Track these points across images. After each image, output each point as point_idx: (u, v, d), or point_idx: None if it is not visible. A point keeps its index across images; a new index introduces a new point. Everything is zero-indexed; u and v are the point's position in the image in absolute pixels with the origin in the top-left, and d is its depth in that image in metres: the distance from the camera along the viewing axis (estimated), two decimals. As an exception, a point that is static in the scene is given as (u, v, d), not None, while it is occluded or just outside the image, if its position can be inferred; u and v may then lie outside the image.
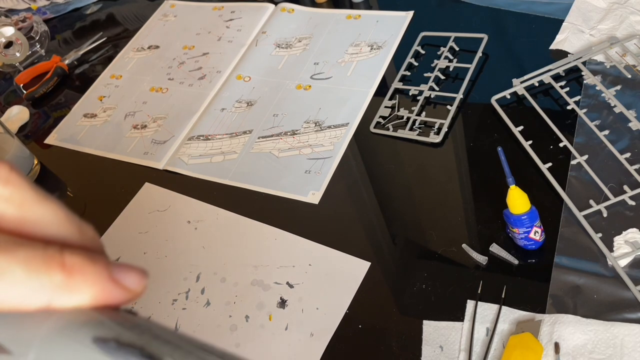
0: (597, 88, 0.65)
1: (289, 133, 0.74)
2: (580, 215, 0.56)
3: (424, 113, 0.71)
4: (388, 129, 0.71)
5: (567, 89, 0.67)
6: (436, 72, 0.74)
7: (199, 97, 0.83)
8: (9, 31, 0.99)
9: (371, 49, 0.81)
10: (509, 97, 0.69)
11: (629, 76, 0.65)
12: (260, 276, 0.61)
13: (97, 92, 0.91)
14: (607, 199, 0.56)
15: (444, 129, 0.68)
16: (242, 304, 0.60)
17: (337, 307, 0.57)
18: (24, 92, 0.94)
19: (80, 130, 0.86)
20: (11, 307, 0.18)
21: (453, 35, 0.77)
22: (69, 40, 1.05)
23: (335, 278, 0.59)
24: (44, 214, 0.20)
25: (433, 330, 0.53)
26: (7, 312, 0.18)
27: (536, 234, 0.54)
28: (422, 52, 0.78)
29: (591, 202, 0.56)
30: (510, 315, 0.52)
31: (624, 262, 0.52)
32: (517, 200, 0.54)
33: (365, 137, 0.71)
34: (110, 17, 1.06)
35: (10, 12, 1.12)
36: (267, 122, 0.77)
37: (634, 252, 0.52)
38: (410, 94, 0.74)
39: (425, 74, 0.75)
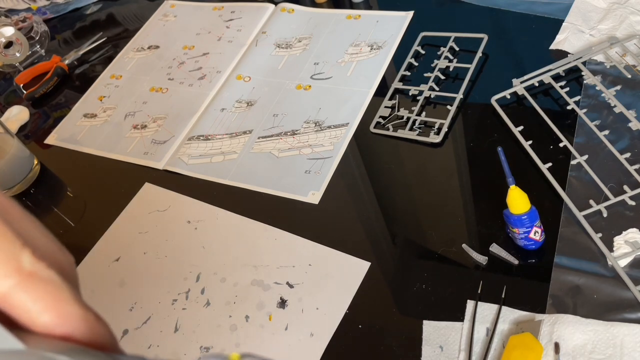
0: (597, 88, 0.65)
1: (289, 133, 0.74)
2: (580, 215, 0.56)
3: (424, 113, 0.71)
4: (388, 129, 0.71)
5: (567, 89, 0.67)
6: (436, 72, 0.74)
7: (199, 97, 0.83)
8: (9, 31, 0.99)
9: (371, 49, 0.81)
10: (509, 97, 0.69)
11: (629, 76, 0.65)
12: (260, 276, 0.61)
13: (97, 92, 0.91)
14: (607, 199, 0.56)
15: (444, 129, 0.68)
16: (242, 304, 0.60)
17: (337, 307, 0.57)
18: (24, 92, 0.94)
19: (80, 130, 0.86)
20: None
21: (453, 35, 0.77)
22: (69, 40, 1.05)
23: (335, 278, 0.59)
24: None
25: (433, 330, 0.53)
26: None
27: (536, 234, 0.54)
28: (422, 52, 0.78)
29: (591, 202, 0.56)
30: (510, 315, 0.52)
31: (624, 262, 0.52)
32: (517, 200, 0.54)
33: (365, 137, 0.71)
34: (110, 17, 1.06)
35: (10, 12, 1.12)
36: (267, 122, 0.77)
37: (634, 252, 0.52)
38: (410, 94, 0.74)
39: (425, 74, 0.75)
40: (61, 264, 0.21)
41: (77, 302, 0.20)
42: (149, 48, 0.96)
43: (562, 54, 0.71)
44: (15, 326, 0.20)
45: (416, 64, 0.77)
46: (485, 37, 0.75)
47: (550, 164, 0.61)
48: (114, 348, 0.22)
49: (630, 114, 0.61)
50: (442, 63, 0.75)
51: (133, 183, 0.76)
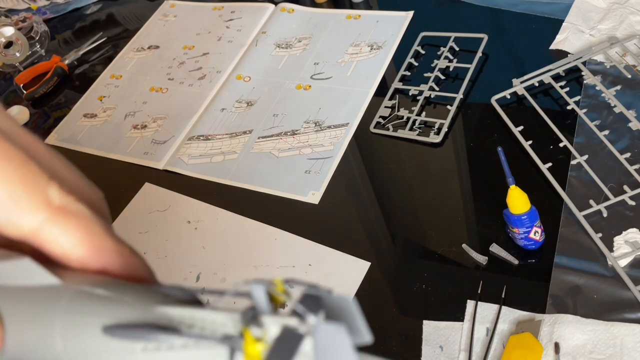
0: (597, 88, 0.65)
1: (289, 133, 0.74)
2: (580, 215, 0.56)
3: (424, 113, 0.71)
4: (388, 129, 0.71)
5: (567, 89, 0.67)
6: (436, 72, 0.74)
7: (199, 97, 0.83)
8: (9, 31, 0.99)
9: (371, 49, 0.81)
10: (509, 97, 0.69)
11: (629, 76, 0.65)
12: (260, 276, 0.61)
13: (97, 92, 0.91)
14: (607, 199, 0.56)
15: (444, 129, 0.68)
16: (242, 304, 0.60)
17: (337, 307, 0.57)
18: (24, 92, 0.94)
19: (80, 130, 0.86)
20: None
21: (453, 35, 0.77)
22: (69, 40, 1.05)
23: (335, 278, 0.59)
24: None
25: (433, 330, 0.53)
26: None
27: (536, 234, 0.54)
28: (422, 52, 0.78)
29: (591, 202, 0.56)
30: (510, 315, 0.52)
31: (624, 262, 0.52)
32: (517, 200, 0.54)
33: (365, 137, 0.71)
34: (110, 17, 1.06)
35: (10, 12, 1.12)
36: (267, 122, 0.77)
37: (634, 252, 0.52)
38: (410, 94, 0.74)
39: (425, 74, 0.75)
40: (90, 199, 0.21)
41: (110, 235, 0.20)
42: (149, 48, 0.96)
43: (562, 54, 0.71)
44: (49, 263, 0.19)
45: (416, 64, 0.77)
46: (485, 37, 0.75)
47: (550, 164, 0.61)
48: (152, 280, 0.21)
49: (630, 114, 0.61)
50: (442, 63, 0.75)
51: (133, 183, 0.76)
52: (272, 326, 0.16)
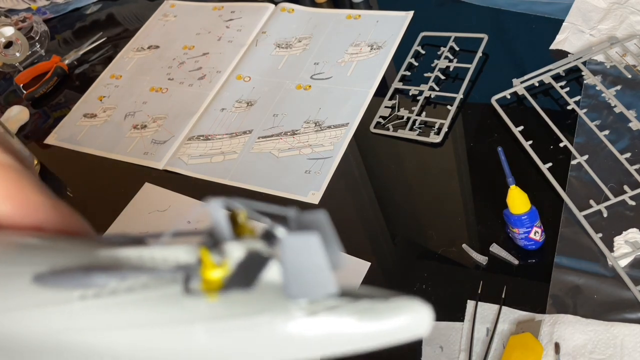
0: (597, 88, 0.65)
1: (289, 133, 0.74)
2: (580, 215, 0.56)
3: (424, 113, 0.71)
4: (388, 129, 0.71)
5: (567, 89, 0.67)
6: (436, 72, 0.74)
7: (199, 97, 0.83)
8: (9, 31, 0.99)
9: (371, 49, 0.81)
10: (509, 97, 0.69)
11: (629, 76, 0.65)
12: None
13: (97, 92, 0.91)
14: (607, 199, 0.56)
15: (444, 129, 0.68)
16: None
17: (337, 307, 0.57)
18: (24, 92, 0.94)
19: (80, 130, 0.86)
20: None
21: (453, 35, 0.77)
22: (69, 40, 1.05)
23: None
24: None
25: (433, 330, 0.53)
26: None
27: (536, 234, 0.54)
28: (422, 52, 0.78)
29: (591, 202, 0.56)
30: (510, 315, 0.52)
31: (624, 262, 0.52)
32: (517, 200, 0.54)
33: (365, 137, 0.71)
34: (110, 17, 1.06)
35: (10, 12, 1.12)
36: (267, 122, 0.77)
37: (634, 252, 0.52)
38: (410, 94, 0.74)
39: (425, 74, 0.75)
40: (21, 156, 0.18)
41: (43, 190, 0.17)
42: (149, 48, 0.96)
43: (562, 54, 0.71)
44: None
45: (416, 64, 0.77)
46: (485, 37, 0.75)
47: (550, 164, 0.61)
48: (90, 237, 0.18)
49: (630, 114, 0.61)
50: (442, 63, 0.75)
51: (133, 183, 0.75)
52: (235, 251, 0.14)
